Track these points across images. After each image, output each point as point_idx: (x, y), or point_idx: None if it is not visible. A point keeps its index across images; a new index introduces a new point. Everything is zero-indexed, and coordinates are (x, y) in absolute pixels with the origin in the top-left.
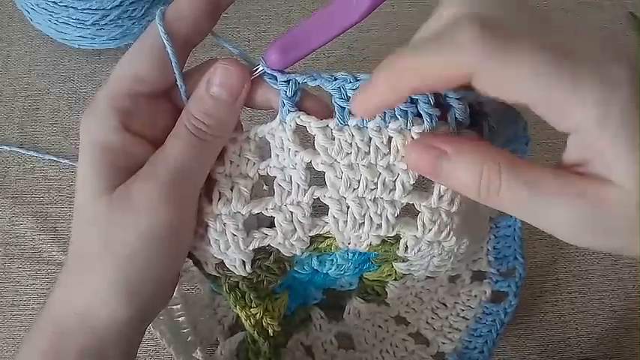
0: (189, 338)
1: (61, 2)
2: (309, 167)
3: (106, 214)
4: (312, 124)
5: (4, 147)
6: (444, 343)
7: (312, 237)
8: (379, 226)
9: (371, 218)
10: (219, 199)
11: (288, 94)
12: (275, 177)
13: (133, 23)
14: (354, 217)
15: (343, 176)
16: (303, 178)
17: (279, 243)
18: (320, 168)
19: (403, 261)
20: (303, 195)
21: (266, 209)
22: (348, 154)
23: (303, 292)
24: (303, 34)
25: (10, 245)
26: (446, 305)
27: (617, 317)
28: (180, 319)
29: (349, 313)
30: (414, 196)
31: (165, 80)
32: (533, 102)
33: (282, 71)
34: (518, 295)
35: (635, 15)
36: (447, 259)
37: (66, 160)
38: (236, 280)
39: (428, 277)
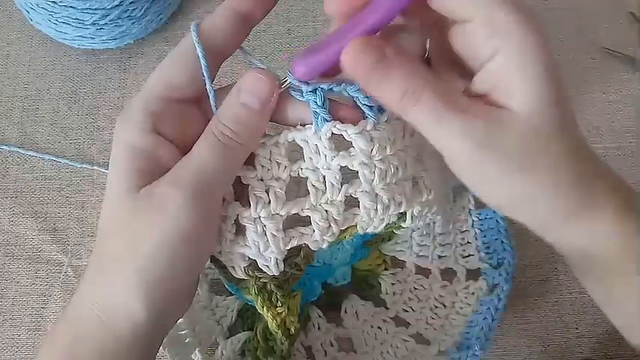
0: (187, 340)
1: (60, 2)
2: (342, 168)
3: (130, 214)
4: (350, 132)
5: (4, 147)
6: (444, 341)
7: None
8: (400, 204)
9: (394, 199)
10: (257, 203)
11: (319, 102)
12: (307, 177)
13: (133, 23)
14: (383, 202)
15: (376, 170)
16: (337, 178)
17: (315, 240)
18: (356, 168)
19: (389, 239)
20: (337, 194)
21: (302, 210)
22: (384, 148)
23: (309, 288)
24: (324, 42)
25: (10, 245)
26: (444, 305)
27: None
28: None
29: (346, 312)
30: (416, 166)
31: (197, 88)
32: (471, 14)
33: (307, 83)
34: (510, 281)
35: (635, 15)
36: (425, 236)
37: (66, 160)
38: (265, 280)
39: (418, 267)
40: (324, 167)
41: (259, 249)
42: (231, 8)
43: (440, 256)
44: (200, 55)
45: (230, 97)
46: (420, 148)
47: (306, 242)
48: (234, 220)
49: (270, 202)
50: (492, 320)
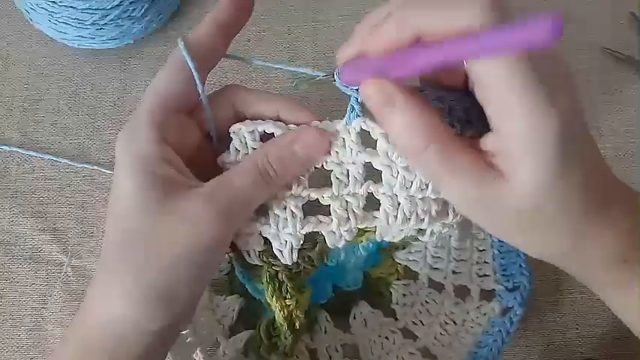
0: (188, 340)
1: (61, 2)
2: (366, 164)
3: (153, 225)
4: (377, 130)
5: (4, 147)
6: (450, 358)
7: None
8: (422, 220)
9: (417, 214)
10: None
11: (359, 100)
12: (332, 170)
13: (133, 23)
14: (404, 213)
15: (399, 176)
16: (360, 172)
17: (331, 231)
18: (378, 167)
19: (403, 248)
20: (359, 187)
21: (322, 197)
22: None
23: (321, 288)
24: (379, 58)
25: (10, 245)
26: (455, 322)
27: (618, 317)
28: None
29: (355, 319)
30: None
31: (191, 96)
32: (493, 83)
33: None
34: (524, 305)
35: (635, 15)
36: (440, 248)
37: (65, 160)
38: (276, 269)
39: (431, 280)
40: (349, 161)
41: (277, 225)
42: (213, 20)
43: (454, 272)
44: (191, 66)
45: (283, 140)
46: None
47: (323, 231)
48: None
49: (292, 185)
50: (502, 343)
